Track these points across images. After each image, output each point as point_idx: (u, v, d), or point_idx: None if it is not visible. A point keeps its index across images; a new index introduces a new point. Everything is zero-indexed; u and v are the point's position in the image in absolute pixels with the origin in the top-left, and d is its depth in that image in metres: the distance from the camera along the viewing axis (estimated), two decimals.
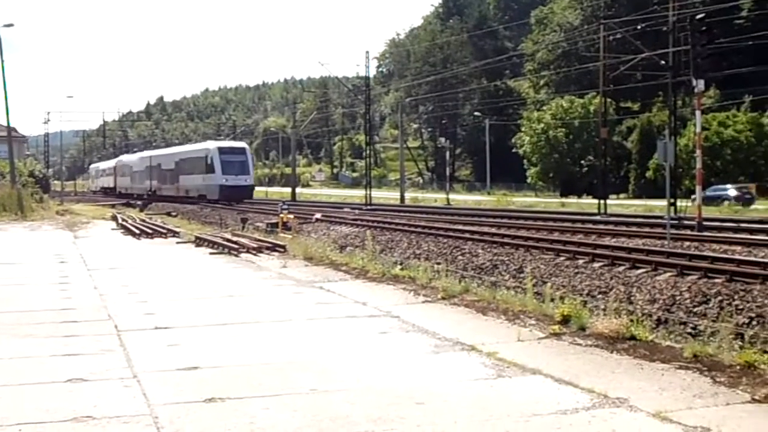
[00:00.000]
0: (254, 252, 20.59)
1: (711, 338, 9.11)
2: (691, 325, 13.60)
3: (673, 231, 23.07)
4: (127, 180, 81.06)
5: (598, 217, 34.13)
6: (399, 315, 10.81)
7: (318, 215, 35.76)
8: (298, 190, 74.51)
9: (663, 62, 37.54)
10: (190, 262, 19.05)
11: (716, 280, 15.36)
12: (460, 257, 22.82)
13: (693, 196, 29.62)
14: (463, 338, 9.12)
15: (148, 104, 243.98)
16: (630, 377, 7.42)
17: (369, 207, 48.38)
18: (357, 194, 67.80)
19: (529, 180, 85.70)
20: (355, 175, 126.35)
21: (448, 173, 79.86)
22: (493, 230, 27.63)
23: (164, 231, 28.09)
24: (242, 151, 58.69)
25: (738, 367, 7.60)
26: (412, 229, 28.80)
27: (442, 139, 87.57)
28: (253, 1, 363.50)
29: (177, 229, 29.26)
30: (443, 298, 12.16)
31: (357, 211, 40.68)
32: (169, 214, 48.14)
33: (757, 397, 6.68)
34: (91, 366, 7.90)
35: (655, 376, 7.48)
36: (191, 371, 7.71)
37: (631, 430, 5.90)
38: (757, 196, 54.67)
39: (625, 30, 44.65)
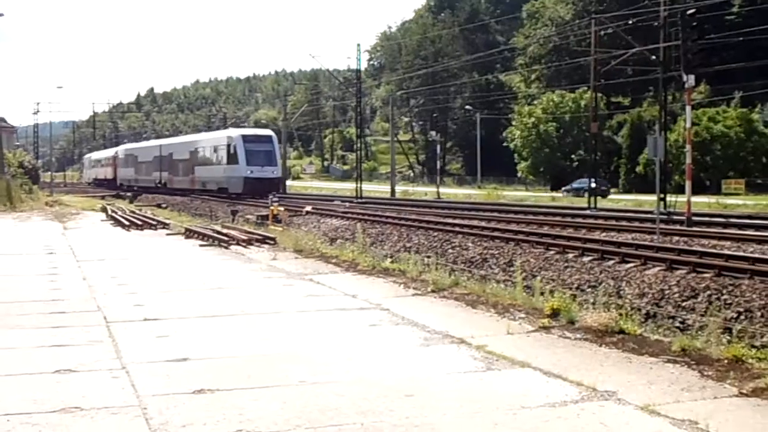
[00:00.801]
0: (244, 244, 20.57)
1: (699, 332, 9.16)
2: (679, 319, 13.65)
3: (663, 226, 23.11)
4: (129, 171, 75.01)
5: (588, 212, 34.20)
6: (389, 308, 10.82)
7: (308, 208, 35.71)
8: (288, 182, 74.02)
9: (654, 57, 37.57)
10: (180, 254, 19.02)
11: (705, 275, 15.40)
12: (450, 251, 22.83)
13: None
14: (452, 331, 9.13)
15: (139, 95, 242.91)
16: (618, 371, 7.44)
17: (359, 200, 48.31)
18: (347, 187, 67.78)
19: (519, 174, 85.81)
20: (345, 168, 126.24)
21: (438, 167, 79.68)
22: (484, 224, 27.63)
23: (154, 223, 28.04)
24: (269, 139, 52.51)
25: (726, 361, 7.63)
26: (403, 222, 28.78)
27: (433, 133, 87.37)
28: None
29: (167, 221, 29.23)
30: (433, 291, 12.18)
31: (347, 204, 40.60)
32: (159, 205, 48.07)
33: (744, 391, 6.71)
34: (80, 357, 7.88)
35: (644, 369, 7.51)
36: (180, 363, 7.71)
37: (620, 423, 5.92)
38: (745, 192, 54.98)
39: (617, 25, 44.64)
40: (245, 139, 50.68)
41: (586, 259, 18.68)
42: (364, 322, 9.88)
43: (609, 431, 5.77)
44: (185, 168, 59.58)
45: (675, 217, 27.48)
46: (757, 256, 17.01)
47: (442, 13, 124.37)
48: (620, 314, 9.65)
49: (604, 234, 23.61)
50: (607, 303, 10.98)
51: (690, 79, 26.38)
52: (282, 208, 30.99)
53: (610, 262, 17.90)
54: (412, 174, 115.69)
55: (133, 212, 35.28)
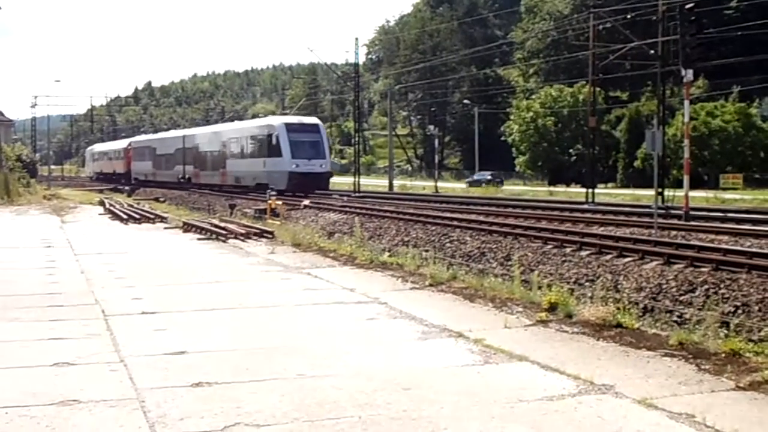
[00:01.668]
0: (242, 238, 20.56)
1: (697, 326, 9.15)
2: (677, 313, 13.67)
3: (661, 220, 23.16)
4: (146, 165, 68.81)
5: (586, 206, 34.22)
6: (387, 301, 10.82)
7: (306, 201, 35.72)
8: None
9: (652, 52, 37.60)
10: (178, 248, 19.01)
11: (702, 269, 15.43)
12: (448, 244, 22.85)
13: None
14: (450, 325, 9.14)
15: (136, 89, 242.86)
16: (616, 364, 7.45)
17: (357, 194, 48.28)
18: (345, 181, 67.77)
19: (517, 168, 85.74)
20: (343, 161, 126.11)
21: (436, 161, 79.82)
22: (481, 218, 27.66)
23: (152, 216, 28.02)
24: (315, 128, 46.25)
25: (723, 355, 7.65)
26: (401, 216, 28.80)
27: (431, 127, 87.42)
28: None
29: (165, 215, 29.22)
30: (431, 285, 12.19)
31: (345, 198, 40.62)
32: (157, 199, 48.06)
33: (741, 385, 6.72)
34: (78, 350, 7.88)
35: (641, 363, 7.52)
36: (178, 356, 7.71)
37: (617, 417, 5.93)
38: (743, 186, 55.06)
39: (615, 19, 44.67)
40: (289, 127, 44.54)
41: (583, 253, 18.70)
42: (361, 316, 9.89)
43: (606, 425, 5.78)
44: (215, 161, 53.96)
45: (673, 212, 27.52)
46: (754, 250, 17.05)
47: (441, 7, 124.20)
48: (618, 308, 9.65)
49: (601, 228, 23.64)
50: (604, 297, 10.98)
51: (688, 74, 26.41)
52: (280, 202, 30.99)
53: (608, 257, 17.93)
54: (410, 168, 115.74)
55: (131, 206, 35.27)
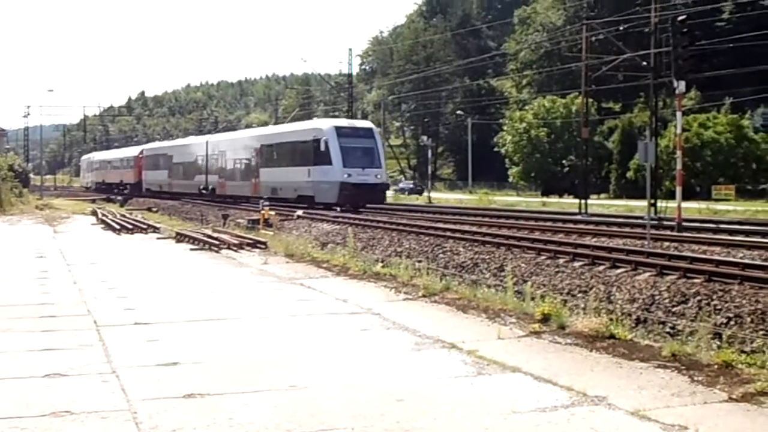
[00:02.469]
0: (235, 248, 20.54)
1: (689, 338, 9.17)
2: (669, 324, 13.68)
3: (653, 231, 23.19)
4: (160, 174, 62.84)
5: (579, 217, 34.25)
6: (380, 312, 10.82)
7: (299, 212, 35.69)
8: None
9: (644, 63, 37.73)
10: (171, 258, 18.98)
11: (695, 280, 15.44)
12: (441, 255, 22.84)
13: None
14: (443, 336, 9.14)
15: (130, 99, 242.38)
16: (609, 376, 7.46)
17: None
18: None
19: (510, 179, 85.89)
20: None
21: (430, 171, 79.85)
22: (475, 229, 27.67)
23: (145, 226, 27.97)
24: (369, 132, 40.33)
25: (716, 367, 7.65)
26: (394, 227, 28.78)
27: (425, 138, 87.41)
28: None
29: (157, 225, 29.18)
30: (424, 296, 12.19)
31: (338, 209, 40.60)
32: (149, 209, 48.01)
33: (734, 396, 6.73)
34: (70, 361, 7.85)
35: (634, 374, 7.52)
36: (171, 367, 7.69)
37: (610, 429, 5.93)
38: (735, 198, 55.25)
39: (608, 31, 44.89)
40: (340, 131, 38.76)
41: (576, 264, 18.71)
42: (355, 327, 9.88)
43: None
44: (245, 170, 48.07)
45: (665, 223, 27.56)
46: (747, 261, 17.07)
47: (434, 18, 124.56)
48: (611, 319, 9.67)
49: (594, 239, 23.66)
50: (597, 308, 10.99)
51: (681, 85, 26.48)
52: (273, 213, 30.97)
53: (601, 268, 17.93)
54: (403, 178, 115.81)
55: (124, 216, 35.21)
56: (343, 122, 44.04)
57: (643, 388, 6.98)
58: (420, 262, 18.56)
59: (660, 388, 7.02)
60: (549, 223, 30.23)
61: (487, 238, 23.83)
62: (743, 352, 9.29)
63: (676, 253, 19.49)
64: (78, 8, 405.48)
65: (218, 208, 41.73)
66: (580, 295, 16.40)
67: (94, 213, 37.92)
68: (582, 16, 69.80)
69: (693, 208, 38.38)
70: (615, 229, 26.92)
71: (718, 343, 9.64)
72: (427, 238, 25.19)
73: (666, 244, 21.97)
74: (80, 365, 7.70)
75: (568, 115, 77.83)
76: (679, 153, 27.36)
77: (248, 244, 21.18)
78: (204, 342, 8.94)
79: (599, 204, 50.26)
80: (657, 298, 15.29)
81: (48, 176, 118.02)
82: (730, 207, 44.54)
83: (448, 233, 25.68)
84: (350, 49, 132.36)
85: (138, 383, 7.05)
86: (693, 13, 42.93)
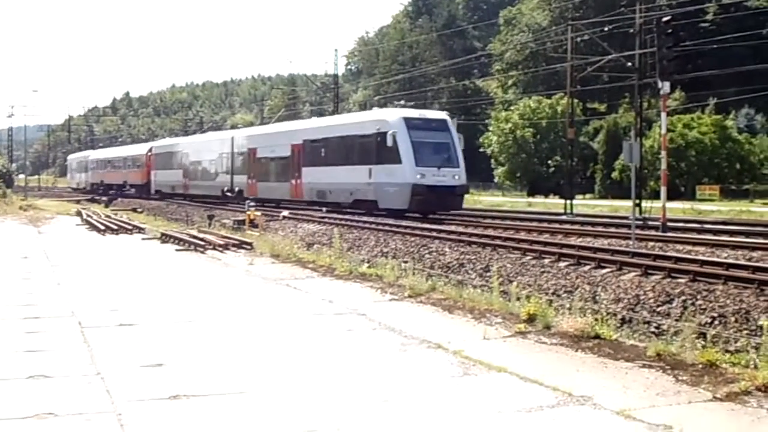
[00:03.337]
0: (221, 249, 20.49)
1: (674, 337, 9.22)
2: (654, 324, 13.72)
3: (638, 231, 23.25)
4: (174, 175, 55.66)
5: (564, 217, 34.34)
6: (366, 313, 10.81)
7: (285, 212, 35.61)
8: None
9: (629, 64, 37.89)
10: (156, 259, 18.90)
11: (680, 280, 15.49)
12: (427, 256, 22.83)
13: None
14: (429, 336, 9.14)
15: (114, 99, 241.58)
16: (594, 375, 7.48)
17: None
18: None
19: (496, 179, 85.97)
20: None
21: None
22: (460, 229, 27.66)
23: (129, 227, 27.86)
24: (444, 125, 33.44)
25: (700, 366, 7.69)
26: (380, 227, 28.73)
27: None
28: None
29: (142, 226, 29.08)
30: (410, 296, 12.19)
31: (324, 209, 40.52)
32: (134, 210, 47.75)
33: (718, 396, 6.76)
34: (54, 363, 7.81)
35: (619, 374, 7.55)
36: (156, 368, 7.66)
37: (595, 428, 5.95)
38: (719, 198, 55.55)
39: (593, 32, 45.04)
40: (410, 123, 31.93)
41: (562, 264, 18.73)
42: (341, 328, 9.87)
43: None
44: (282, 169, 40.72)
45: (650, 223, 27.65)
46: (731, 261, 17.14)
47: (420, 18, 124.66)
48: (596, 319, 9.70)
49: (580, 239, 23.69)
50: (583, 308, 11.02)
51: (665, 86, 26.56)
52: (259, 213, 30.89)
53: (586, 268, 17.96)
54: None
55: (108, 216, 35.03)
56: (413, 112, 35.37)
57: (629, 388, 7.01)
58: (406, 262, 18.54)
59: (645, 387, 7.05)
60: (534, 224, 30.26)
61: (473, 239, 23.83)
62: (727, 351, 9.33)
63: (660, 253, 19.54)
64: (63, 8, 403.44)
65: (204, 209, 41.56)
66: (565, 295, 16.42)
67: (78, 213, 37.74)
68: (567, 17, 70.16)
69: (677, 208, 38.56)
70: (600, 229, 26.97)
71: (703, 342, 9.66)
72: (413, 239, 25.17)
73: (651, 244, 22.03)
74: (64, 367, 7.66)
75: (554, 115, 77.99)
76: (663, 153, 27.48)
77: (234, 245, 21.12)
78: (189, 343, 8.91)
79: (584, 204, 50.40)
80: (642, 297, 15.33)
81: (32, 177, 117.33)
82: (714, 207, 44.76)
83: (434, 233, 25.68)
84: (336, 50, 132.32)
85: (123, 385, 7.01)
86: (677, 14, 43.13)
